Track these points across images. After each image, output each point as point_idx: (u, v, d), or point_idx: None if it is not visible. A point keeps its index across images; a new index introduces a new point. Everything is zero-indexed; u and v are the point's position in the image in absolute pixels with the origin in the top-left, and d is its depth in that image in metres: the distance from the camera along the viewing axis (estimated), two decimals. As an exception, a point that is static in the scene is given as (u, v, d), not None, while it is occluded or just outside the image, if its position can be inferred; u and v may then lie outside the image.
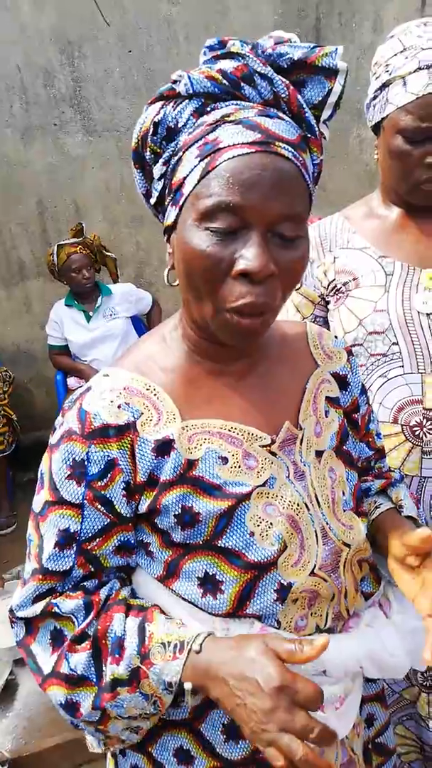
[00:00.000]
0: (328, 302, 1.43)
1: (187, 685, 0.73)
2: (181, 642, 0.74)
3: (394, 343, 1.29)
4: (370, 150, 4.12)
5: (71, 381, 3.53)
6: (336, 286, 1.38)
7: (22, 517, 3.48)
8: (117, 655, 0.76)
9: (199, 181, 0.74)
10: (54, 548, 0.80)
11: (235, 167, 0.71)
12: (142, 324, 3.69)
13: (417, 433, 1.29)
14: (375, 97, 1.29)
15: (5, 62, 3.56)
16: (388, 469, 1.10)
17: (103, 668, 0.77)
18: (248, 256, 0.71)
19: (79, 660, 0.78)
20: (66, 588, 0.82)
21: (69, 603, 0.80)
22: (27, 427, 3.74)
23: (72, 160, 3.82)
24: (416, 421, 1.28)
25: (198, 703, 0.80)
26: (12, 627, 0.85)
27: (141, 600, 0.83)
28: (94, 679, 0.77)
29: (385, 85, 1.26)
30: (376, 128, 1.33)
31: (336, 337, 1.02)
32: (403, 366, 1.29)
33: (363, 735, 0.99)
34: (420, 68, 1.19)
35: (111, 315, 3.48)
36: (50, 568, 0.80)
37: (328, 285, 1.40)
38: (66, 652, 0.78)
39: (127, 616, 0.79)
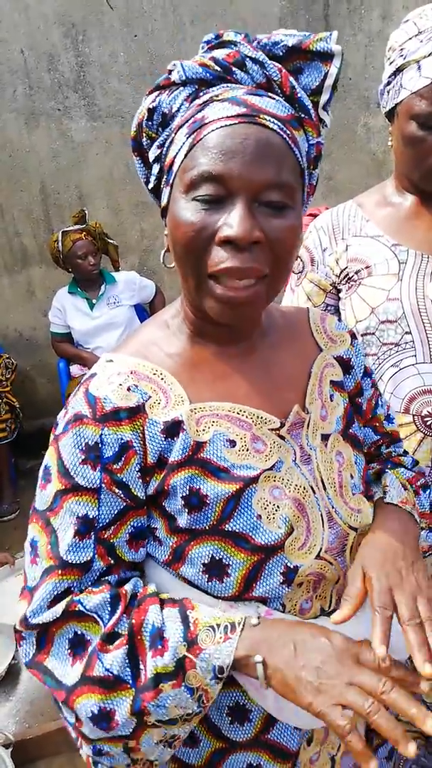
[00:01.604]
0: (339, 290, 1.42)
1: (257, 657, 0.70)
2: (231, 623, 0.73)
3: (406, 333, 1.29)
4: (377, 139, 4.08)
5: (74, 368, 3.53)
6: (348, 274, 1.37)
7: (25, 504, 3.50)
8: (159, 647, 0.72)
9: (186, 156, 0.76)
10: (74, 538, 0.76)
11: (218, 137, 0.73)
12: (146, 312, 3.68)
13: (429, 423, 1.28)
14: (389, 83, 1.27)
15: (9, 46, 3.52)
16: (403, 453, 1.09)
17: (140, 666, 0.72)
18: (231, 222, 0.72)
19: (115, 658, 0.72)
20: (86, 585, 0.77)
21: (94, 598, 0.75)
22: (30, 415, 3.75)
23: (76, 145, 3.79)
24: (428, 411, 1.28)
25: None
26: (20, 645, 0.77)
27: (169, 594, 0.80)
28: (131, 681, 0.72)
29: (399, 70, 1.24)
30: (390, 115, 1.31)
31: (339, 320, 1.02)
32: (415, 355, 1.29)
33: None
34: None
35: (114, 303, 3.47)
36: (71, 561, 0.76)
37: (340, 273, 1.39)
38: (98, 652, 0.73)
39: (163, 607, 0.76)
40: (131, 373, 0.82)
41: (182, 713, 0.72)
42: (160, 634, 0.73)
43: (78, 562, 0.77)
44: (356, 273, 1.36)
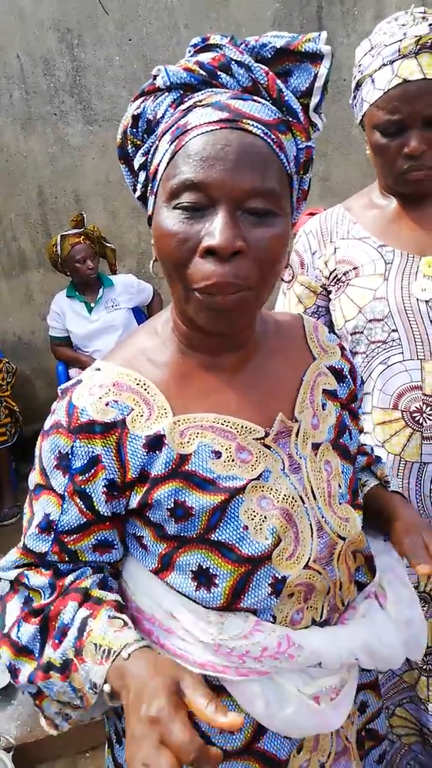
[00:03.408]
0: (329, 292, 1.45)
1: (106, 687, 0.69)
2: (109, 649, 0.70)
3: (393, 330, 1.31)
4: (372, 139, 4.09)
5: (73, 372, 3.53)
6: (337, 275, 1.41)
7: (25, 508, 3.49)
8: (57, 641, 0.77)
9: (168, 163, 0.75)
10: (35, 529, 0.83)
11: (199, 144, 0.71)
12: (144, 315, 3.69)
13: (417, 418, 1.30)
14: (354, 97, 1.36)
15: (4, 51, 3.54)
16: (369, 451, 1.12)
17: (45, 648, 0.79)
18: (213, 231, 0.70)
19: (27, 631, 0.80)
20: (41, 565, 0.84)
21: (37, 579, 0.83)
22: (29, 418, 3.75)
23: (72, 150, 3.80)
24: (416, 407, 1.30)
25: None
26: None
27: (104, 592, 0.80)
28: (36, 655, 0.79)
29: (358, 85, 1.33)
30: (363, 125, 1.38)
31: (331, 332, 1.03)
32: (402, 353, 1.31)
33: (356, 722, 1.00)
34: (384, 64, 1.25)
35: (112, 306, 3.47)
36: (28, 546, 0.84)
37: (329, 275, 1.43)
38: (21, 619, 0.81)
39: (80, 606, 0.78)
40: (113, 385, 0.81)
41: (68, 701, 0.78)
42: (64, 630, 0.77)
43: (34, 550, 0.83)
44: (344, 274, 1.39)
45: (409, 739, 1.49)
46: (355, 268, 1.37)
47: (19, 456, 3.77)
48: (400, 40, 1.23)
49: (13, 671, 0.81)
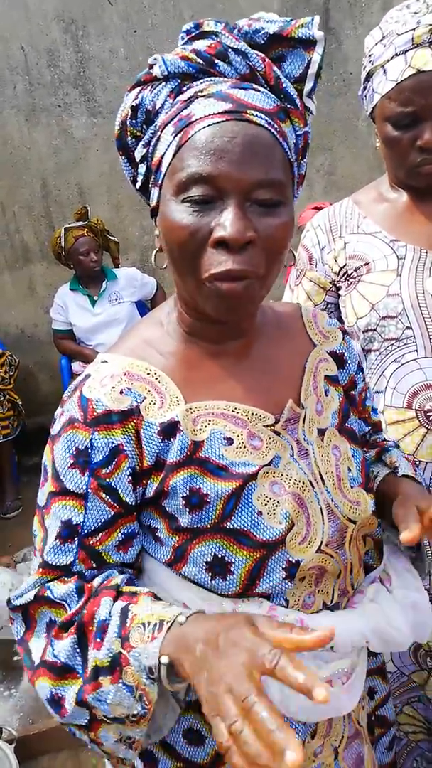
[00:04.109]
0: (339, 288, 1.42)
1: (164, 659, 0.65)
2: (161, 621, 0.68)
3: (407, 327, 1.29)
4: (377, 133, 4.06)
5: (76, 365, 3.54)
6: (347, 271, 1.38)
7: (28, 501, 3.50)
8: (99, 640, 0.72)
9: (174, 156, 0.75)
10: (55, 540, 0.79)
11: (206, 137, 0.72)
12: (147, 308, 3.68)
13: (431, 417, 1.29)
14: (365, 88, 1.32)
15: (9, 43, 3.52)
16: (383, 440, 1.12)
17: (88, 657, 0.72)
18: (224, 223, 0.71)
19: (63, 647, 0.74)
20: (65, 575, 0.80)
21: (61, 588, 0.77)
22: (32, 412, 3.76)
23: (76, 142, 3.79)
24: (430, 406, 1.28)
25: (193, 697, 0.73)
26: (12, 624, 0.82)
27: (135, 587, 0.78)
28: (80, 670, 0.72)
29: (369, 75, 1.28)
30: (372, 118, 1.35)
31: (333, 318, 1.03)
32: (417, 350, 1.29)
33: (366, 707, 1.01)
34: (396, 54, 1.21)
35: (116, 299, 3.47)
36: (50, 562, 0.79)
37: (339, 270, 1.40)
38: (52, 638, 0.75)
39: (115, 601, 0.74)
40: (125, 374, 0.81)
41: (126, 712, 0.70)
42: (104, 628, 0.72)
43: (57, 564, 0.79)
44: (355, 270, 1.36)
45: (416, 736, 1.49)
46: (366, 264, 1.34)
47: (22, 449, 3.78)
48: (414, 29, 1.19)
49: (57, 702, 0.73)
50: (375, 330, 1.32)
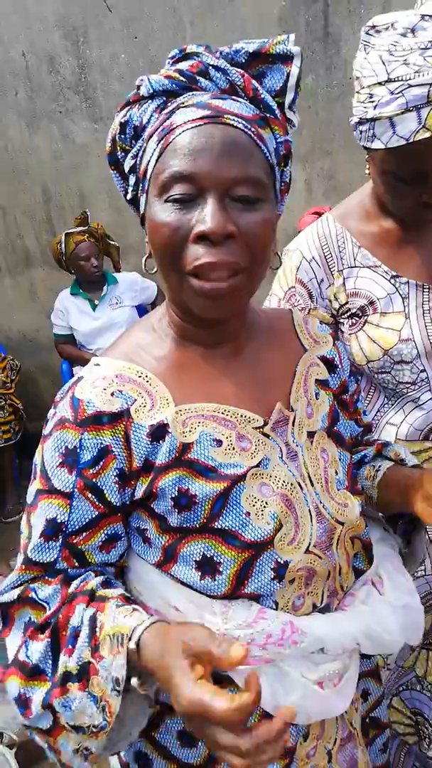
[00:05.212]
0: (340, 323, 1.38)
1: (133, 681, 0.68)
2: (121, 634, 0.69)
3: (422, 371, 1.30)
4: (377, 138, 4.07)
5: (77, 370, 3.54)
6: (350, 309, 1.33)
7: (29, 505, 3.50)
8: (71, 647, 0.73)
9: (157, 161, 0.79)
10: (39, 538, 0.80)
11: (185, 139, 0.76)
12: (147, 313, 3.69)
13: None
14: (360, 122, 1.16)
15: (9, 49, 3.54)
16: (375, 440, 1.14)
17: (59, 662, 0.74)
18: (204, 218, 0.74)
19: (37, 649, 0.76)
20: (47, 575, 0.81)
21: (47, 589, 0.79)
22: (33, 416, 3.76)
23: (77, 147, 3.80)
24: None
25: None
26: None
27: (110, 589, 0.79)
28: (49, 674, 0.74)
29: (371, 119, 1.13)
30: (368, 150, 1.22)
31: (322, 322, 1.05)
32: (431, 390, 1.31)
33: (360, 709, 1.02)
34: (408, 110, 1.06)
35: (116, 304, 3.48)
36: (33, 559, 0.80)
37: (340, 308, 1.35)
38: (27, 639, 0.77)
39: (88, 606, 0.76)
40: (116, 377, 0.83)
41: (88, 722, 0.71)
42: (76, 634, 0.74)
43: (41, 561, 0.80)
44: (360, 309, 1.32)
45: (410, 738, 1.49)
46: (371, 303, 1.30)
47: (23, 453, 3.79)
48: (430, 85, 1.04)
49: (24, 703, 0.75)
50: (389, 373, 1.32)
